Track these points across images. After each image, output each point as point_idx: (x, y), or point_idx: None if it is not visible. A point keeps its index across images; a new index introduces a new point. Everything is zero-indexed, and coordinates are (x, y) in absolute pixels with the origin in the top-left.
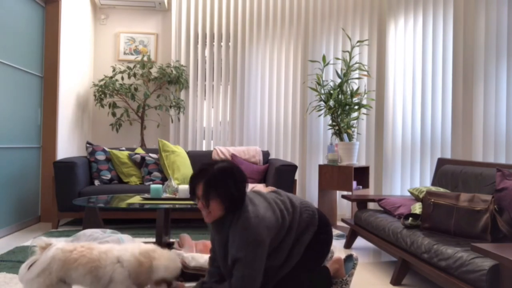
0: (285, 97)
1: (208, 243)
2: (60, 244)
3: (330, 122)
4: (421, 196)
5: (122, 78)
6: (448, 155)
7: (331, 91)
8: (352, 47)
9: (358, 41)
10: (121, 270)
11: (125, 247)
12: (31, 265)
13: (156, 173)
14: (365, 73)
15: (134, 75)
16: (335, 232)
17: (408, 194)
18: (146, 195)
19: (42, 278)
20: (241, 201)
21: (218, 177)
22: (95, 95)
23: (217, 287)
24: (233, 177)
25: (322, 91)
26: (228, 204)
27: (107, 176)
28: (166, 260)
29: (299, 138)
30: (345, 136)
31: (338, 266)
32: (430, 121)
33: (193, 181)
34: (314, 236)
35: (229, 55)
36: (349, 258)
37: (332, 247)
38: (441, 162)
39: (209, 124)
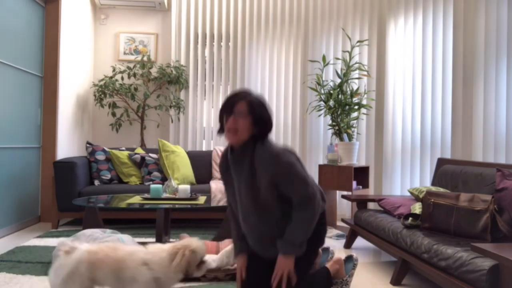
0: (285, 97)
1: (208, 243)
2: (84, 246)
3: (330, 122)
4: (421, 196)
5: (122, 78)
6: (448, 155)
7: (331, 91)
8: (352, 47)
9: (358, 41)
10: (145, 272)
11: (151, 251)
12: (56, 270)
13: (156, 173)
14: (365, 73)
15: (134, 75)
16: (335, 232)
17: (408, 194)
18: (146, 195)
19: (74, 282)
20: (270, 127)
21: (257, 100)
22: (95, 95)
23: (298, 222)
24: (266, 105)
25: (322, 91)
26: (260, 126)
27: (107, 176)
28: (195, 243)
29: (299, 138)
30: (345, 136)
31: (338, 266)
32: (430, 121)
33: (233, 99)
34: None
35: (229, 55)
36: (349, 258)
37: (332, 247)
38: (441, 162)
39: (209, 124)
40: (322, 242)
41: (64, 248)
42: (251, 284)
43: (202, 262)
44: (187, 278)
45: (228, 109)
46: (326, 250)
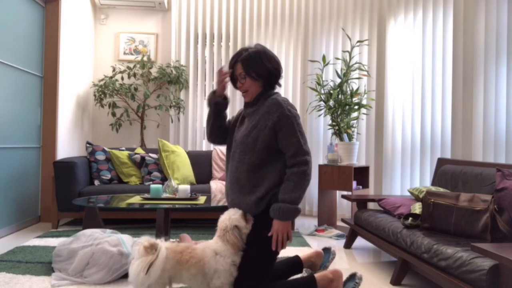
0: (285, 97)
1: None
2: (166, 244)
3: (330, 122)
4: (421, 196)
5: (122, 78)
6: (448, 155)
7: (331, 91)
8: (352, 47)
9: (358, 41)
10: (222, 260)
11: (212, 243)
12: (149, 268)
13: (156, 173)
14: (365, 73)
15: (134, 75)
16: (335, 232)
17: (408, 194)
18: (146, 195)
19: (161, 279)
20: (276, 77)
21: (253, 55)
22: (95, 95)
23: (290, 184)
24: (266, 54)
25: (322, 91)
26: (264, 77)
27: (107, 176)
28: (230, 218)
29: None
30: (345, 136)
31: (332, 276)
32: (430, 121)
33: (231, 63)
34: None
35: (229, 55)
36: (351, 277)
37: (333, 248)
38: (441, 162)
39: None
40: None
41: (145, 244)
42: None
43: (247, 222)
44: None
45: (232, 74)
46: (328, 250)
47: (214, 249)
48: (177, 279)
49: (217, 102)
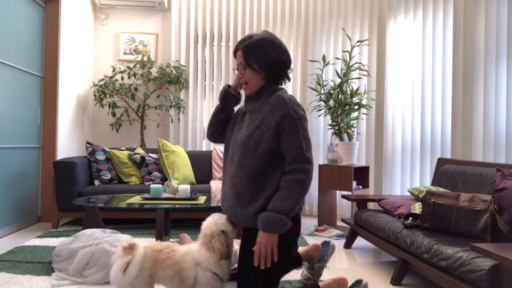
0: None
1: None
2: (145, 243)
3: (330, 122)
4: (421, 196)
5: (122, 78)
6: (448, 155)
7: (331, 91)
8: (352, 47)
9: (358, 41)
10: (202, 272)
11: (191, 248)
12: (126, 267)
13: (156, 173)
14: (365, 73)
15: (134, 75)
16: (335, 232)
17: (408, 194)
18: (146, 195)
19: (139, 278)
20: (281, 69)
21: (256, 43)
22: (95, 95)
23: (283, 193)
24: (272, 43)
25: (322, 91)
26: (267, 70)
27: (107, 176)
28: (216, 223)
29: None
30: (345, 136)
31: (337, 286)
32: (430, 121)
33: (234, 50)
34: None
35: (229, 55)
36: (357, 284)
37: (332, 242)
38: (441, 162)
39: None
40: (299, 230)
41: (123, 245)
42: None
43: (234, 226)
44: None
45: (236, 62)
46: (327, 244)
47: (196, 259)
48: (155, 278)
49: (227, 92)
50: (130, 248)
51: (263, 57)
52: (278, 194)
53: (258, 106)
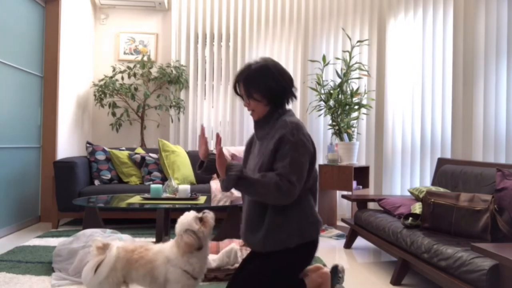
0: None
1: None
2: (119, 243)
3: (330, 122)
4: (421, 196)
5: (122, 78)
6: (448, 155)
7: (331, 91)
8: (352, 47)
9: (358, 41)
10: (172, 269)
11: (164, 246)
12: (97, 267)
13: (156, 173)
14: (365, 73)
15: (134, 75)
16: (335, 232)
17: (408, 194)
18: (146, 195)
19: (111, 278)
20: (282, 94)
21: (254, 73)
22: (95, 95)
23: (258, 176)
24: (269, 71)
25: (322, 91)
26: (269, 98)
27: (107, 176)
28: (182, 221)
29: None
30: (345, 136)
31: (321, 280)
32: (430, 121)
33: (234, 82)
34: None
35: (229, 55)
36: (334, 270)
37: (340, 265)
38: (441, 162)
39: (209, 124)
40: (309, 262)
41: (97, 244)
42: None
43: (201, 220)
44: None
45: (236, 92)
46: (335, 271)
47: (167, 256)
48: (128, 278)
49: (203, 166)
50: (104, 248)
51: (263, 87)
52: (256, 177)
53: (266, 132)
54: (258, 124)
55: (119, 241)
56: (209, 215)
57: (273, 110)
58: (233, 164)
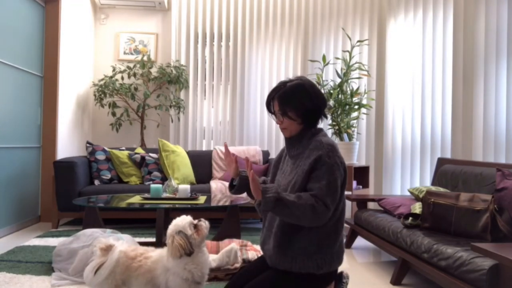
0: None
1: (208, 243)
2: (122, 247)
3: (330, 122)
4: (421, 196)
5: (122, 78)
6: (448, 155)
7: (331, 91)
8: (352, 47)
9: (358, 41)
10: (172, 277)
11: (162, 254)
12: (97, 268)
13: (156, 173)
14: (365, 73)
15: (134, 75)
16: None
17: (408, 194)
18: (146, 195)
19: (110, 280)
20: (317, 113)
21: (290, 92)
22: (95, 95)
23: (293, 198)
24: (305, 91)
25: (322, 91)
26: (303, 117)
27: (107, 175)
28: (175, 224)
29: None
30: (345, 136)
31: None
32: (430, 121)
33: (268, 99)
34: None
35: (229, 55)
36: (338, 278)
37: (345, 271)
38: (441, 162)
39: (209, 124)
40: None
41: (100, 246)
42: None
43: (195, 227)
44: None
45: (269, 109)
46: (339, 277)
47: (166, 265)
48: (128, 284)
49: (233, 185)
50: (107, 250)
51: (298, 106)
52: (292, 198)
53: (300, 151)
54: (290, 142)
55: (122, 243)
56: (204, 224)
57: (306, 129)
58: (268, 187)
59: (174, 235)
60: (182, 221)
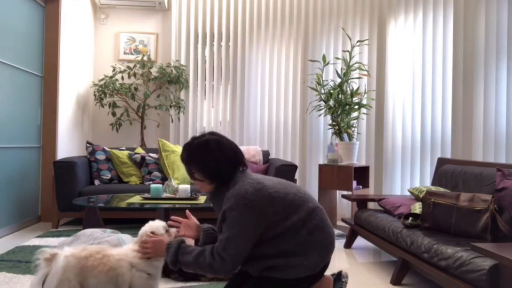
0: (285, 97)
1: None
2: (67, 251)
3: (330, 121)
4: (421, 195)
5: (122, 78)
6: (448, 155)
7: (331, 91)
8: (352, 47)
9: (358, 41)
10: (138, 274)
11: (126, 251)
12: (44, 280)
13: (156, 173)
14: (365, 72)
15: (134, 74)
16: (335, 232)
17: (408, 194)
18: (146, 195)
19: (65, 287)
20: (224, 172)
21: (194, 152)
22: (95, 95)
23: (195, 253)
24: (209, 150)
25: (322, 91)
26: (210, 176)
27: (107, 175)
28: (149, 225)
29: (299, 137)
30: (345, 135)
31: (324, 286)
32: (430, 120)
33: (180, 158)
34: None
35: (229, 55)
36: (338, 276)
37: (344, 271)
38: (441, 161)
39: (209, 124)
40: None
41: (44, 255)
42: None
43: (167, 231)
44: (187, 278)
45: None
46: (338, 277)
47: (130, 261)
48: (86, 285)
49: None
50: (51, 259)
51: (202, 167)
52: (195, 250)
53: (219, 206)
54: (211, 198)
55: (68, 249)
56: (172, 230)
57: (219, 187)
58: (169, 246)
59: (148, 234)
60: (156, 223)
